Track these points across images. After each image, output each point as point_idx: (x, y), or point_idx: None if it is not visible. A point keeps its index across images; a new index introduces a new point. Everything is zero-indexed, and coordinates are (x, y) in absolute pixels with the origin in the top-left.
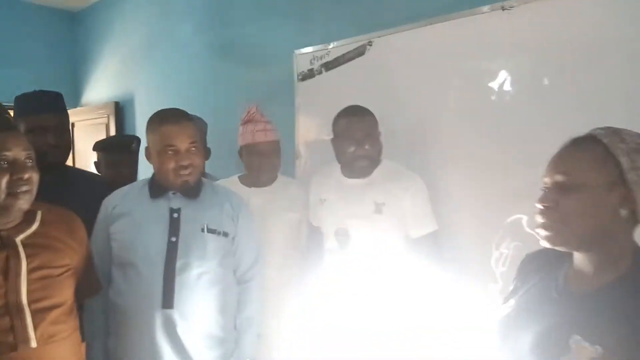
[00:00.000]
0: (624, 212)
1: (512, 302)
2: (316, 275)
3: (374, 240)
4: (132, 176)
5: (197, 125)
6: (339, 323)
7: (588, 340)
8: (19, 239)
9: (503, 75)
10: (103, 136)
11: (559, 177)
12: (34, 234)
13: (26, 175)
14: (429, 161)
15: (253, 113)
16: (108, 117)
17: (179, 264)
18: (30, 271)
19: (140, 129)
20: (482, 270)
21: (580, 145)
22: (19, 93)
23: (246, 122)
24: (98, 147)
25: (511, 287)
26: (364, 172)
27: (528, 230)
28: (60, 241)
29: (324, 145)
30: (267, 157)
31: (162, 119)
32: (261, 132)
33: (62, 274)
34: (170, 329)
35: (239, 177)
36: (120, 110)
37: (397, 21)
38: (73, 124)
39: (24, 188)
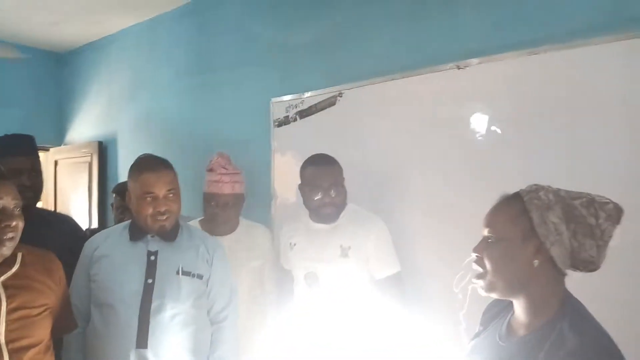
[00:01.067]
0: (536, 262)
1: (472, 343)
2: (286, 316)
3: (341, 282)
4: None
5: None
6: None
7: None
8: None
9: (462, 124)
10: (85, 174)
11: (485, 231)
12: (14, 275)
13: (13, 223)
14: (393, 205)
15: (213, 162)
16: (91, 156)
17: (153, 305)
18: (9, 311)
19: (122, 169)
20: (445, 310)
21: (504, 202)
22: (3, 131)
23: (208, 170)
24: (115, 189)
25: (476, 330)
26: (330, 219)
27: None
28: (39, 282)
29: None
30: (222, 209)
31: (142, 167)
32: (217, 184)
33: (40, 313)
34: None
35: (200, 221)
36: (103, 150)
37: (365, 75)
38: (56, 162)
39: (10, 235)
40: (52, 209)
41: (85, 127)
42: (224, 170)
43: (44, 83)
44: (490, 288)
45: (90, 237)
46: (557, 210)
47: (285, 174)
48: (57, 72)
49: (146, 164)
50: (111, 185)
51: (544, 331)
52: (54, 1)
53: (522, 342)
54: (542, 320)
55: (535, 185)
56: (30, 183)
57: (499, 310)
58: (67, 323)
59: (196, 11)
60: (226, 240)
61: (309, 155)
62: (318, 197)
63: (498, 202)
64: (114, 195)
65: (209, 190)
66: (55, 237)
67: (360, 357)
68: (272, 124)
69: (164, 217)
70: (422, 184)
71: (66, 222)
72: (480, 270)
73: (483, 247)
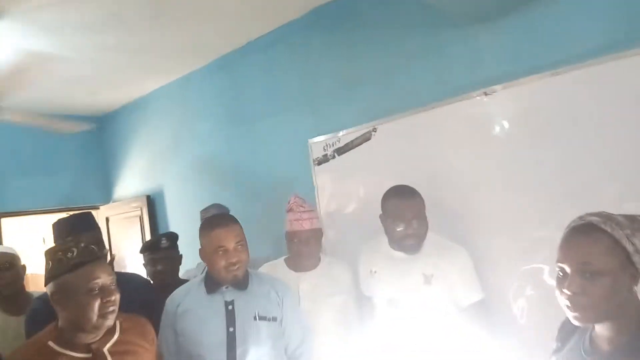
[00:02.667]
0: (636, 290)
1: (553, 359)
2: (369, 342)
3: (424, 309)
4: (167, 270)
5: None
6: None
7: None
8: (105, 349)
9: (494, 147)
10: (137, 227)
11: (580, 266)
12: (117, 342)
13: (113, 298)
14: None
15: (292, 203)
16: (141, 210)
17: (238, 351)
18: None
19: (171, 219)
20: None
21: (588, 235)
22: (58, 198)
23: (287, 211)
24: (141, 250)
25: (553, 347)
26: (413, 249)
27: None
28: (138, 345)
29: (343, 217)
30: (305, 244)
31: (213, 224)
32: (298, 222)
33: None
34: None
35: (285, 259)
36: (151, 203)
37: (396, 109)
38: (107, 219)
39: (111, 309)
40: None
41: (131, 183)
42: (302, 209)
43: (87, 147)
44: (587, 319)
45: None
46: (639, 235)
47: (331, 209)
48: (98, 135)
49: (216, 221)
50: None
51: (632, 345)
52: (92, 73)
53: (609, 356)
54: (627, 335)
55: (601, 213)
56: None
57: (575, 326)
58: None
59: (225, 66)
60: (310, 276)
61: (352, 188)
62: (401, 228)
63: (574, 234)
64: (142, 255)
65: (291, 229)
66: (128, 295)
67: None
68: (312, 163)
69: (236, 267)
70: (477, 207)
71: (135, 280)
72: (577, 304)
73: (581, 283)
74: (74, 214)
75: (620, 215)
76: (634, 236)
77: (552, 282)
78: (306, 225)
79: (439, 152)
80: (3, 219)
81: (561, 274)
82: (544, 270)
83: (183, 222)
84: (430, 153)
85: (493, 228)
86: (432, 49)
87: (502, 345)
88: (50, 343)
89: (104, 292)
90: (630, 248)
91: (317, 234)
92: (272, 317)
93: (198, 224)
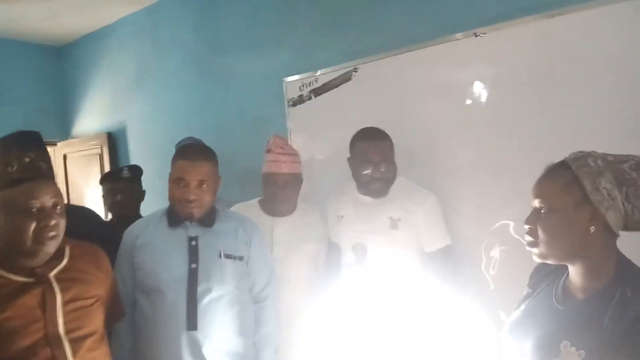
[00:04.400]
0: (592, 229)
1: (522, 306)
2: (334, 289)
3: (390, 253)
4: (127, 202)
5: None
6: (355, 336)
7: (575, 346)
8: (52, 275)
9: (479, 93)
10: (97, 167)
11: (536, 202)
12: (65, 268)
13: (52, 222)
14: (426, 177)
15: (271, 143)
16: (101, 148)
17: (200, 288)
18: (64, 303)
19: (135, 157)
20: (475, 276)
21: (552, 172)
22: (9, 128)
23: (266, 151)
24: (100, 180)
25: (524, 292)
26: (380, 193)
27: (515, 235)
28: (88, 273)
29: (318, 164)
30: (282, 188)
31: (180, 154)
32: (276, 163)
33: (92, 304)
34: (195, 349)
35: (259, 201)
36: (113, 141)
37: (380, 48)
38: (65, 156)
39: (50, 234)
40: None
41: (91, 119)
42: (281, 150)
43: (45, 77)
44: (545, 256)
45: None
46: (608, 175)
47: (302, 154)
48: (57, 65)
49: (186, 153)
50: None
51: (604, 295)
52: None
53: (582, 305)
54: (600, 283)
55: (580, 152)
56: None
57: (549, 271)
58: (117, 311)
59: None
60: (285, 222)
61: (326, 133)
62: (367, 171)
63: (545, 172)
64: (102, 186)
65: (268, 170)
66: (77, 229)
67: (404, 330)
68: (286, 103)
69: (192, 205)
70: (451, 156)
71: (85, 213)
72: (532, 239)
73: (535, 218)
74: (20, 130)
75: (601, 154)
76: (601, 175)
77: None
78: (285, 169)
79: (422, 96)
80: None
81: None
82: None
83: (146, 162)
84: (412, 97)
85: (468, 177)
86: None
87: (466, 293)
88: None
89: (42, 214)
90: (588, 186)
91: (297, 179)
92: (239, 256)
93: (163, 163)
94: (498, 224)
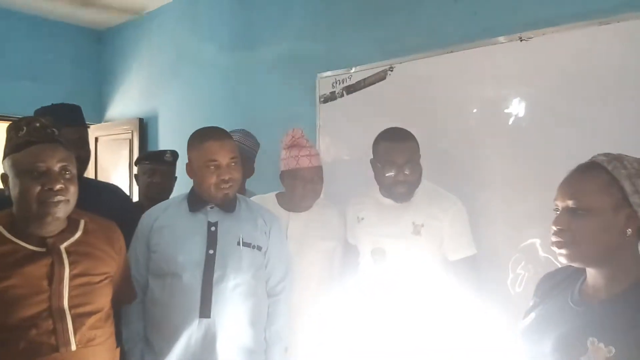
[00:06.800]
0: (629, 232)
1: (532, 314)
2: (349, 291)
3: (411, 260)
4: (163, 185)
5: (251, 144)
6: (371, 339)
7: (603, 342)
8: (63, 246)
9: (518, 102)
10: (126, 151)
11: (569, 202)
12: (77, 242)
13: (57, 186)
14: (456, 184)
15: (298, 138)
16: (132, 133)
17: (216, 275)
18: (72, 277)
19: (163, 145)
20: (499, 290)
21: (586, 172)
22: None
23: (290, 146)
24: (137, 159)
25: (531, 303)
26: (404, 197)
27: (542, 254)
28: (100, 250)
29: (344, 165)
30: (311, 183)
31: (204, 136)
32: (305, 158)
33: (101, 281)
34: (207, 337)
35: (277, 195)
36: (144, 127)
37: (417, 48)
38: (97, 139)
39: (56, 198)
40: None
41: (125, 104)
42: (308, 144)
43: (84, 60)
44: (574, 258)
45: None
46: None
47: (331, 152)
48: (97, 49)
49: (209, 133)
50: None
51: (627, 297)
52: None
53: (607, 304)
54: (626, 284)
55: (609, 154)
56: (78, 153)
57: (559, 280)
58: (127, 293)
59: None
60: (301, 217)
61: (357, 132)
62: (391, 174)
63: (575, 172)
64: (137, 166)
65: (296, 165)
66: (104, 205)
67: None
68: (317, 100)
69: (228, 185)
70: (483, 165)
71: (115, 191)
72: (561, 240)
73: (569, 220)
74: (61, 103)
75: (633, 157)
76: (638, 176)
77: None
78: (314, 162)
79: (458, 101)
80: None
81: (556, 211)
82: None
83: (175, 149)
84: (448, 101)
85: (499, 189)
86: None
87: (488, 305)
88: (1, 228)
89: (47, 177)
90: (629, 188)
91: (321, 172)
92: (257, 246)
93: None
94: (528, 242)
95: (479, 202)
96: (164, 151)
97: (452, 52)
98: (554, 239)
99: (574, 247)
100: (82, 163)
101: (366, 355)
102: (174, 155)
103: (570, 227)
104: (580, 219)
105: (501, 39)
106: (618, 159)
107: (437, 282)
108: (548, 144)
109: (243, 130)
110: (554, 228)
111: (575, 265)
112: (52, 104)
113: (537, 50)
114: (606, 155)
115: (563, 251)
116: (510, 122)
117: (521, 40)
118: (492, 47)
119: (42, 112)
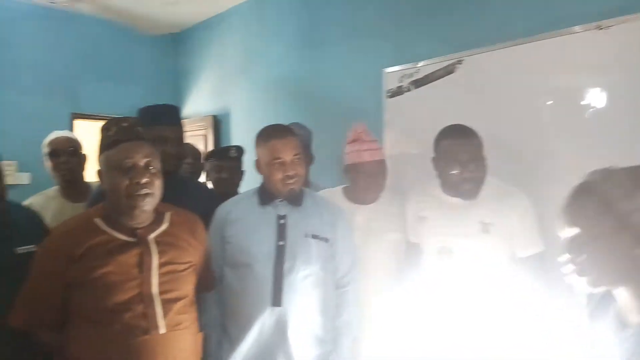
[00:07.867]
0: (638, 251)
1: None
2: (415, 289)
3: (480, 259)
4: (231, 180)
5: (304, 133)
6: (438, 335)
7: None
8: (151, 237)
9: (597, 93)
10: (202, 147)
11: (571, 231)
12: (164, 233)
13: (143, 180)
14: (526, 180)
15: (360, 132)
16: (207, 130)
17: (286, 266)
18: (160, 266)
19: (235, 141)
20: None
21: (580, 197)
22: (128, 106)
23: (353, 141)
24: (205, 156)
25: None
26: (470, 195)
27: None
28: (185, 240)
29: (411, 159)
30: (374, 176)
31: (270, 134)
32: (368, 152)
33: (185, 269)
34: (278, 325)
35: (343, 189)
36: (217, 124)
37: (487, 40)
38: None
39: (143, 191)
40: None
41: (200, 102)
42: (370, 138)
43: (161, 61)
44: (592, 284)
45: None
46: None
47: (398, 147)
48: (173, 50)
49: (273, 132)
50: None
51: None
52: None
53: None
54: None
55: (605, 170)
56: (175, 151)
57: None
58: (208, 281)
59: None
60: (367, 210)
61: (425, 127)
62: (455, 171)
63: (572, 197)
64: (206, 163)
65: (359, 159)
66: (193, 201)
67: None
68: (384, 95)
69: (293, 181)
70: (553, 161)
71: (203, 189)
72: (577, 268)
73: (573, 247)
74: (161, 104)
75: (626, 168)
76: (635, 194)
77: None
78: (377, 156)
79: (530, 95)
80: (75, 120)
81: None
82: None
83: (247, 146)
84: (519, 95)
85: (571, 181)
86: None
87: (556, 304)
88: (97, 220)
89: (134, 171)
90: (627, 207)
91: (384, 166)
92: (324, 238)
93: None
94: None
95: (546, 197)
96: (229, 147)
97: (522, 44)
98: (568, 267)
99: (589, 273)
100: (179, 160)
101: (433, 350)
102: (239, 150)
103: (579, 256)
104: (584, 246)
105: (577, 28)
106: (609, 177)
107: (507, 280)
108: (627, 135)
109: (296, 123)
110: (566, 256)
111: (599, 290)
112: (154, 104)
113: (617, 39)
114: (597, 173)
115: (583, 279)
116: (587, 114)
117: (599, 29)
118: (567, 37)
119: (146, 110)
